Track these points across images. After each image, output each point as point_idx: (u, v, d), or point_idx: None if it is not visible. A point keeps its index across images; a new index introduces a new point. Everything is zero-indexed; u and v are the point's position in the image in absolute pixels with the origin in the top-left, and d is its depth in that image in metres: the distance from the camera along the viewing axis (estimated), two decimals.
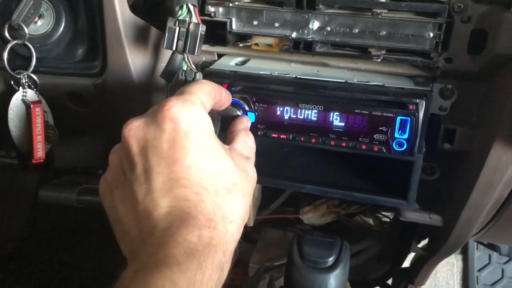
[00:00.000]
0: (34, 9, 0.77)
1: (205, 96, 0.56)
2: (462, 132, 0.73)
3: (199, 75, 0.72)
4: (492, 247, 1.26)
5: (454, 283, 1.59)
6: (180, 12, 0.66)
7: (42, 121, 0.83)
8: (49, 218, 1.34)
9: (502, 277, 1.53)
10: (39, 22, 0.80)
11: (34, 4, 0.76)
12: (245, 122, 0.71)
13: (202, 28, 0.66)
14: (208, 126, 0.53)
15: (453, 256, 1.63)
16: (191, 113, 0.51)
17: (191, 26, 0.65)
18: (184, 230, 0.46)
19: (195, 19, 0.66)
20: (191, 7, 0.66)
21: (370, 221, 1.15)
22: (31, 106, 0.81)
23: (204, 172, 0.50)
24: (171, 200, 0.48)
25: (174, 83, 0.77)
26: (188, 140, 0.50)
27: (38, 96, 0.82)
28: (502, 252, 1.34)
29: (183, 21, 0.65)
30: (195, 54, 0.66)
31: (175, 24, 0.64)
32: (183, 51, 0.66)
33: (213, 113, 0.61)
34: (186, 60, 0.71)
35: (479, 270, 1.55)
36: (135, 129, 0.51)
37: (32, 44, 0.79)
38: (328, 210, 1.14)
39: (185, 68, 0.72)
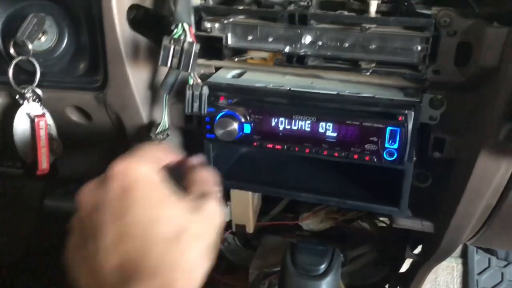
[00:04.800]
0: (38, 26, 0.80)
1: (153, 155, 0.57)
2: (451, 141, 0.75)
3: (205, 89, 0.75)
4: (489, 251, 1.28)
5: (454, 287, 1.60)
6: (175, 31, 0.68)
7: (46, 134, 0.86)
8: (56, 226, 1.36)
9: (501, 281, 1.54)
10: (43, 38, 0.83)
11: (38, 21, 0.80)
12: (193, 161, 0.66)
13: (196, 47, 0.68)
14: (153, 177, 0.53)
15: (453, 260, 1.64)
16: (135, 168, 0.52)
17: (185, 45, 0.67)
18: (133, 284, 0.48)
19: (189, 38, 0.68)
20: (186, 27, 0.68)
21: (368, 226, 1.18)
22: (35, 119, 0.84)
23: (149, 224, 0.51)
24: (120, 255, 0.49)
25: (174, 95, 0.81)
26: (132, 195, 0.51)
27: (42, 110, 0.85)
28: (499, 256, 1.36)
29: (178, 39, 0.68)
30: (189, 71, 0.69)
31: (170, 42, 0.67)
32: (177, 68, 0.68)
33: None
34: (192, 75, 0.74)
35: (479, 274, 1.56)
36: (85, 192, 0.53)
37: (36, 59, 0.82)
38: (327, 216, 1.16)
39: (191, 82, 0.75)
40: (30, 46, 0.80)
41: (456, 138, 0.75)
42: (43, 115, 0.85)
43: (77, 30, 0.82)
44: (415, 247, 0.95)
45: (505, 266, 1.55)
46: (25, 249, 1.38)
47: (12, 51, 0.81)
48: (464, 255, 1.62)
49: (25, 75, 0.84)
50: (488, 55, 0.65)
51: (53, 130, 0.89)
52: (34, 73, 0.83)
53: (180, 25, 0.69)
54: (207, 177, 0.62)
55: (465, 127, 0.74)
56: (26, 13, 0.81)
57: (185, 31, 0.69)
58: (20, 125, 0.85)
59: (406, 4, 0.80)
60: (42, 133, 0.85)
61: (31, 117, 0.84)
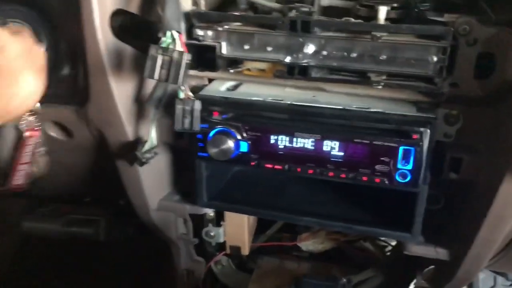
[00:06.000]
0: None
1: None
2: (469, 161, 0.68)
3: (197, 103, 0.68)
4: (498, 272, 1.21)
5: None
6: (163, 39, 0.61)
7: (33, 151, 0.79)
8: (39, 246, 1.28)
9: None
10: None
11: None
12: None
13: (187, 57, 0.61)
14: None
15: None
16: None
17: (175, 55, 0.60)
18: None
19: (179, 47, 0.61)
20: (175, 35, 0.61)
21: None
22: (27, 133, 0.78)
23: None
24: None
25: (162, 109, 0.73)
26: None
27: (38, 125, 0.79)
28: (509, 278, 1.30)
29: (166, 49, 0.60)
30: (178, 84, 0.62)
31: (157, 52, 0.60)
32: (166, 81, 0.61)
33: None
34: (183, 88, 0.67)
35: None
36: None
37: None
38: (327, 237, 1.08)
39: (181, 96, 0.67)
40: None
41: (475, 158, 0.68)
42: (36, 130, 0.78)
43: (55, 39, 0.74)
44: (427, 274, 0.88)
45: (511, 285, 1.49)
46: (7, 269, 1.30)
47: None
48: None
49: None
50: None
51: (43, 148, 0.82)
52: None
53: (169, 33, 0.62)
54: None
55: (485, 146, 0.67)
56: (2, 20, 0.74)
57: (175, 39, 0.61)
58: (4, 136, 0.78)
59: (417, 10, 0.73)
60: (28, 150, 0.78)
61: (21, 130, 0.78)
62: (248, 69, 0.73)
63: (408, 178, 0.66)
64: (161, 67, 0.61)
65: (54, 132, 0.82)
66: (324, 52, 0.68)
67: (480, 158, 0.67)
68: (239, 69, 0.72)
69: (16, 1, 0.74)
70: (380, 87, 0.64)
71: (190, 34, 0.71)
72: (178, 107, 0.66)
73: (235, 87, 0.77)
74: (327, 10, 0.77)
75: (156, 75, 0.61)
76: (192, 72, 0.74)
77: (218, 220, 0.98)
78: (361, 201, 0.80)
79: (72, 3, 0.68)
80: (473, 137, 0.68)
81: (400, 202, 0.74)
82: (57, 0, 0.73)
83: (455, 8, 0.71)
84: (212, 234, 0.98)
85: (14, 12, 0.74)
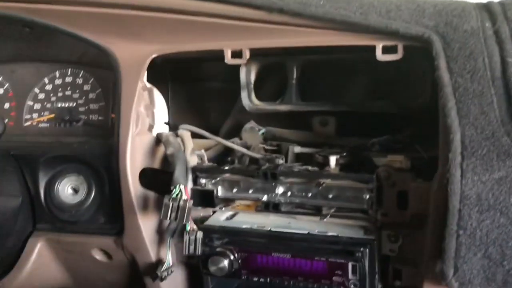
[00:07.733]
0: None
1: None
2: (407, 271, 0.88)
3: (199, 233, 0.93)
4: None
5: None
6: (173, 191, 0.87)
7: None
8: None
9: None
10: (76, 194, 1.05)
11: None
12: None
13: (190, 203, 0.87)
14: None
15: None
16: None
17: (181, 202, 0.86)
18: None
19: (184, 196, 0.87)
20: (182, 187, 0.88)
21: None
22: None
23: None
24: None
25: (178, 236, 0.98)
26: None
27: None
28: None
29: (176, 198, 0.87)
30: (183, 223, 0.87)
31: (169, 201, 0.86)
32: (175, 221, 0.86)
33: None
34: (188, 224, 0.92)
35: None
36: None
37: (70, 210, 1.04)
38: None
39: (188, 229, 0.92)
40: None
41: (412, 269, 0.88)
42: None
43: (101, 188, 1.03)
44: None
45: None
46: None
47: None
48: None
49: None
50: (417, 203, 0.81)
51: None
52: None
53: (177, 186, 0.88)
54: None
55: (419, 259, 0.88)
56: (64, 174, 1.05)
57: (181, 191, 0.88)
58: None
59: (364, 154, 0.98)
60: None
61: None
62: (237, 205, 0.98)
63: (358, 286, 0.87)
64: (172, 211, 0.87)
65: (98, 256, 1.08)
66: (289, 193, 0.93)
67: (415, 269, 0.87)
68: (230, 207, 0.97)
69: (76, 162, 1.04)
70: (325, 219, 0.88)
71: (195, 182, 0.98)
72: (185, 237, 0.91)
73: (232, 216, 1.02)
74: (298, 156, 1.04)
75: (169, 217, 0.87)
76: (198, 208, 1.00)
77: None
78: None
79: (112, 165, 0.98)
80: (411, 251, 0.89)
81: None
82: (102, 161, 1.02)
83: (399, 150, 0.97)
84: None
85: (71, 169, 1.05)
